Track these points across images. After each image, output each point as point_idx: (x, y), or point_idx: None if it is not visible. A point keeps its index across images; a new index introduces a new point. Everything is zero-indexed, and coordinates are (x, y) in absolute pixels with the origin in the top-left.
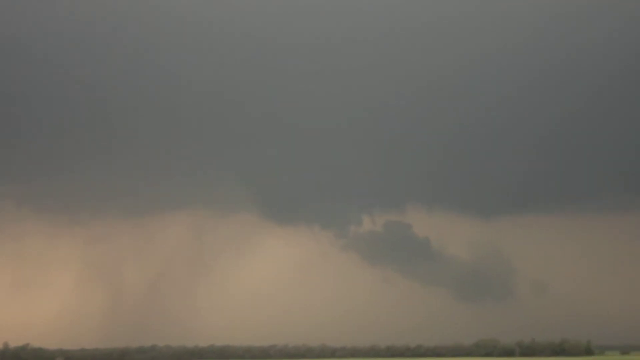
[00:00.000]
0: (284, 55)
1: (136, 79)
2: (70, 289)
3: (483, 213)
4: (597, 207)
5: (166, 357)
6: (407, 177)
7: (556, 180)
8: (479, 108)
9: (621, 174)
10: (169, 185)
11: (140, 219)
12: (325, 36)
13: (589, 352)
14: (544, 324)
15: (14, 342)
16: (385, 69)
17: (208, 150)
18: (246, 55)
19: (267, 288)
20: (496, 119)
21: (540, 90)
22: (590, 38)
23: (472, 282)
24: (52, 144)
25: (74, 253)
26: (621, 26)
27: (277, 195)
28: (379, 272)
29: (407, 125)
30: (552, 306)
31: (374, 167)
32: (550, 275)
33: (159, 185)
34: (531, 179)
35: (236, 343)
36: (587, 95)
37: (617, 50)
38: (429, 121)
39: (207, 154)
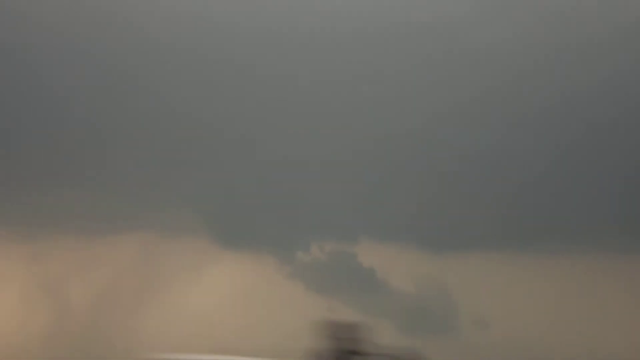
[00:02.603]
0: (249, 82)
1: (98, 101)
2: (13, 306)
3: (431, 247)
4: (547, 247)
5: None
6: (359, 207)
7: (508, 219)
8: (440, 145)
9: (569, 218)
10: (118, 207)
11: (87, 238)
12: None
13: None
14: (484, 359)
15: None
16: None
17: (157, 174)
18: (206, 77)
19: (212, 310)
20: (459, 158)
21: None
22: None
23: (416, 315)
24: (3, 155)
25: (18, 269)
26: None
27: (224, 219)
28: (324, 302)
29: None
30: (494, 343)
31: (328, 194)
32: (493, 313)
33: (109, 207)
34: (483, 216)
35: None
36: (561, 145)
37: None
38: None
39: (156, 177)
